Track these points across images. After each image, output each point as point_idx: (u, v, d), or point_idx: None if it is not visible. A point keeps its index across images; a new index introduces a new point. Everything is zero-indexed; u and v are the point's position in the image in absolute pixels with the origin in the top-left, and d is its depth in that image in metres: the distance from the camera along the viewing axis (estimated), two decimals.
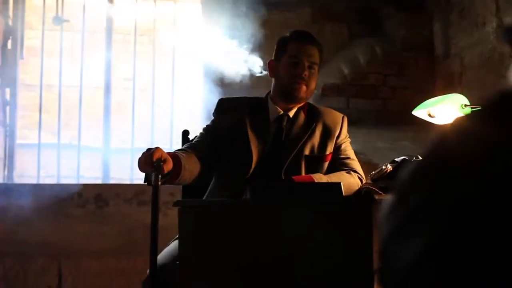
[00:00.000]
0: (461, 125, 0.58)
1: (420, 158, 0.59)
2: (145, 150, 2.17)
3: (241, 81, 4.56)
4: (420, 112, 2.81)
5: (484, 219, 0.47)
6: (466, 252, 0.47)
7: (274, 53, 2.68)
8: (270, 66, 2.68)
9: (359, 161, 2.71)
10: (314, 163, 2.56)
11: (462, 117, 0.59)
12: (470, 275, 0.47)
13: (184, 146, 2.57)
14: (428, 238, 0.50)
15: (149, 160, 2.09)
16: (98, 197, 4.39)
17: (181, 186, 2.67)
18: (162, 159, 2.12)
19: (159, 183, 2.05)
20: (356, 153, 2.75)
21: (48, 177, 4.73)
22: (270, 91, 2.69)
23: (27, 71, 4.85)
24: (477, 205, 0.48)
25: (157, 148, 2.15)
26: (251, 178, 2.46)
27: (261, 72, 4.36)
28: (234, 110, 2.62)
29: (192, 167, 2.42)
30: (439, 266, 0.48)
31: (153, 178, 2.05)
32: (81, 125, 4.70)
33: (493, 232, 0.46)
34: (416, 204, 0.53)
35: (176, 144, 4.48)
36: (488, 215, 0.47)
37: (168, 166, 2.17)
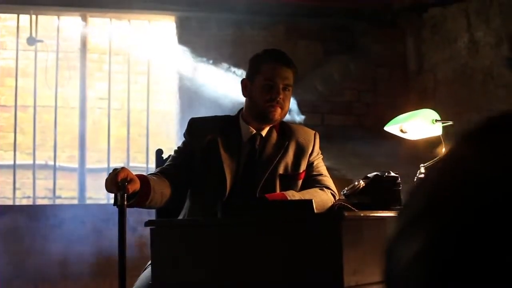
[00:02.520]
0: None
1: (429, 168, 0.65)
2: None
3: (216, 100, 4.57)
4: (392, 127, 2.82)
5: (478, 225, 0.50)
6: (457, 255, 0.49)
7: (247, 72, 2.65)
8: (243, 85, 2.63)
9: (333, 177, 2.71)
10: (289, 181, 2.55)
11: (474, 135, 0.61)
12: (456, 277, 0.49)
13: (155, 170, 2.53)
14: (426, 238, 0.52)
15: (114, 180, 2.06)
16: (75, 217, 4.37)
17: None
18: (128, 179, 2.09)
19: (125, 203, 2.04)
20: (330, 169, 2.76)
21: (24, 198, 4.70)
22: (242, 109, 2.66)
23: (1, 92, 4.83)
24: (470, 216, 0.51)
25: (122, 168, 2.12)
26: (226, 200, 2.43)
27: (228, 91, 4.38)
28: (206, 131, 2.57)
29: (163, 190, 2.36)
30: (432, 266, 0.51)
31: (118, 198, 2.04)
32: (56, 145, 4.68)
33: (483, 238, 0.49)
34: (420, 207, 0.56)
35: (152, 163, 4.48)
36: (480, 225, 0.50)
37: (134, 186, 2.13)
